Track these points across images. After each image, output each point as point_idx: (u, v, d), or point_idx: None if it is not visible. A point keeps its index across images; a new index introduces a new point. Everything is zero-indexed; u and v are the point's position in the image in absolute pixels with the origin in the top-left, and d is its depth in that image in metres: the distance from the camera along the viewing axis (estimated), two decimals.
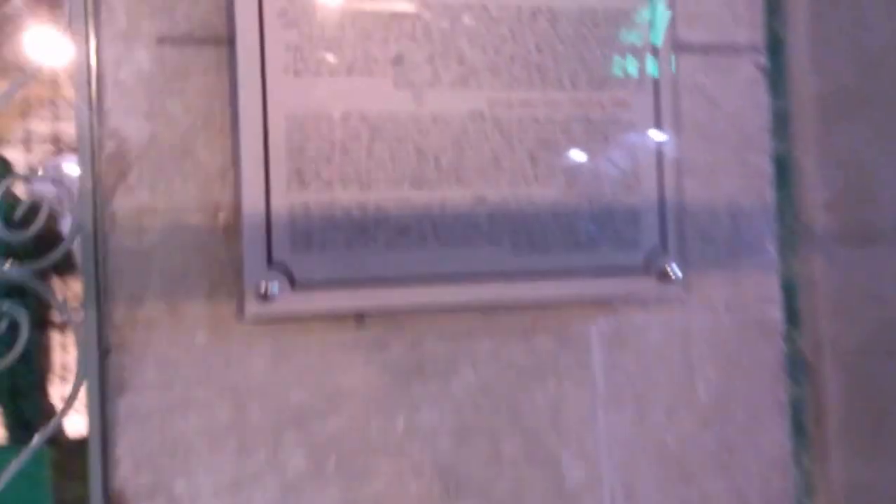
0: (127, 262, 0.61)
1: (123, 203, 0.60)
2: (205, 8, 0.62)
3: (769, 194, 0.74)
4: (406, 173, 0.65)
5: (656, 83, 0.70)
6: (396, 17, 0.64)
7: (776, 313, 0.75)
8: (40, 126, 3.20)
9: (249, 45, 0.61)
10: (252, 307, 0.62)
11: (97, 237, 0.60)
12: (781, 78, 0.76)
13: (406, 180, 0.65)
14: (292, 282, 0.62)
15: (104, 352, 0.60)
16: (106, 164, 0.60)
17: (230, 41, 0.61)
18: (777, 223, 0.75)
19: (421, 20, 0.65)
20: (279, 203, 0.62)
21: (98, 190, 0.60)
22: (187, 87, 0.61)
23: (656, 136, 0.70)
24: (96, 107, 0.60)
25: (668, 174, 0.70)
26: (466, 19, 0.66)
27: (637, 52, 0.69)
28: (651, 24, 0.69)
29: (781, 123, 0.76)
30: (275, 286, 0.61)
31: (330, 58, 0.63)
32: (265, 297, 0.61)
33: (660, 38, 0.70)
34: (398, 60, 0.64)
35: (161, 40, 0.61)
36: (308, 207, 0.63)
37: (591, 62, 0.68)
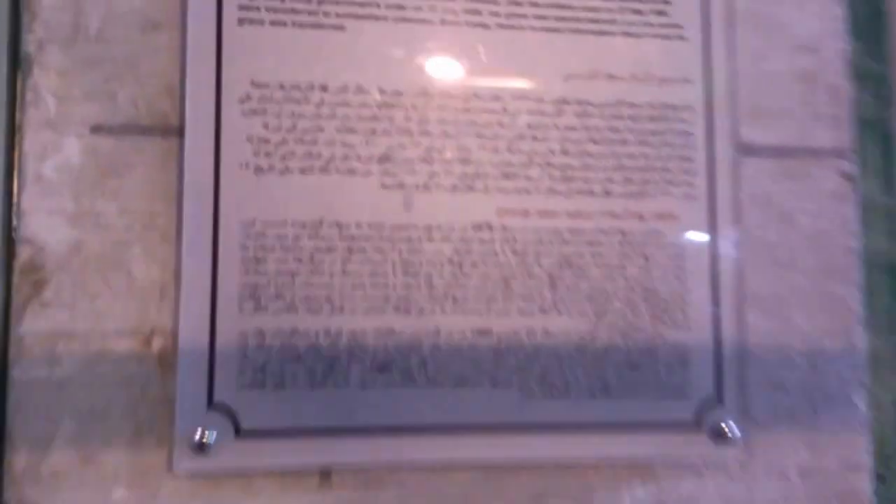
0: (34, 398, 0.50)
1: (35, 324, 0.50)
2: (153, 90, 0.52)
3: (857, 333, 0.59)
4: (390, 296, 0.53)
5: (712, 193, 0.57)
6: (387, 104, 0.54)
7: (864, 484, 0.59)
8: None
9: (201, 136, 0.51)
10: (185, 459, 0.50)
11: (2, 366, 0.49)
12: (893, 176, 0.63)
13: (389, 305, 0.53)
14: (237, 428, 0.50)
15: None
16: (18, 277, 0.50)
17: (180, 131, 0.51)
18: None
19: (417, 110, 0.54)
20: (227, 329, 0.51)
21: (6, 307, 0.50)
22: (124, 185, 0.51)
23: (711, 257, 0.56)
24: (11, 207, 0.50)
25: (727, 305, 0.57)
26: (474, 110, 0.55)
27: (688, 155, 0.57)
28: (706, 122, 0.57)
29: (893, 224, 0.62)
30: (213, 433, 0.49)
31: (301, 152, 0.52)
32: (202, 447, 0.49)
33: (718, 137, 0.57)
34: (386, 157, 0.53)
35: (96, 129, 0.51)
36: (263, 335, 0.51)
37: (630, 165, 0.56)
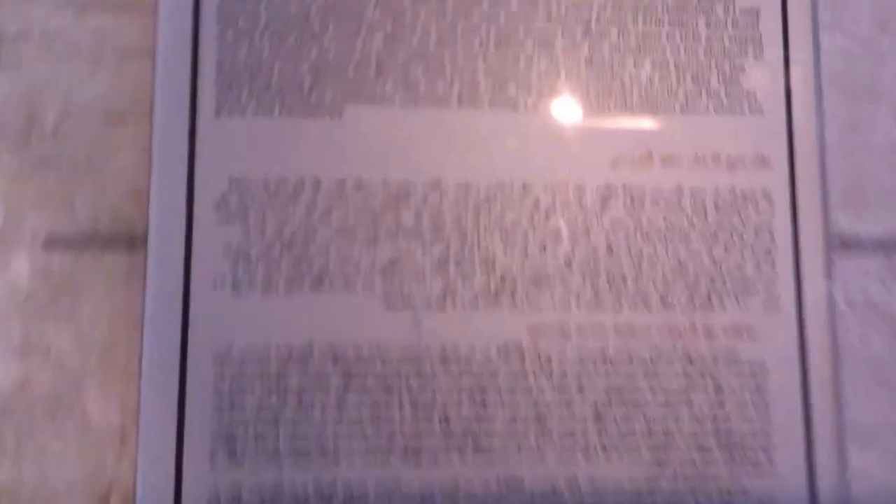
0: None
1: None
2: (117, 194, 0.44)
3: None
4: (396, 439, 0.43)
5: (799, 301, 0.45)
6: (393, 201, 0.44)
7: None
8: None
9: (169, 247, 0.43)
10: None
11: None
12: None
13: (396, 450, 0.42)
14: None
15: None
16: None
17: (147, 241, 0.43)
18: None
19: (429, 206, 0.44)
20: (195, 485, 0.41)
21: None
22: (81, 309, 0.43)
23: (801, 383, 0.45)
24: None
25: (823, 442, 0.45)
26: (499, 205, 0.45)
27: (767, 253, 0.45)
28: (790, 211, 0.46)
29: None
30: None
31: (288, 265, 0.43)
32: None
33: (805, 230, 0.46)
34: (391, 267, 0.44)
35: (50, 242, 0.43)
36: (239, 492, 0.41)
37: (694, 268, 0.45)
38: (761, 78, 0.47)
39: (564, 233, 0.45)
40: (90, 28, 0.45)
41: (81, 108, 0.45)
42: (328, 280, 0.43)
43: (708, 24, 0.47)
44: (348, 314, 0.43)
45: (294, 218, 0.44)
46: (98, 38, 0.45)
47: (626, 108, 0.46)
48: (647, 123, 0.46)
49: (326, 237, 0.44)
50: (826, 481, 0.45)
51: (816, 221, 0.46)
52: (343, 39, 0.46)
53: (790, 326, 0.45)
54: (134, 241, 0.44)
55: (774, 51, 0.47)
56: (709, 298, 0.45)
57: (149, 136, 0.44)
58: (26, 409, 0.42)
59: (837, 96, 0.48)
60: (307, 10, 0.46)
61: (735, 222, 0.46)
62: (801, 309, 0.45)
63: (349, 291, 0.43)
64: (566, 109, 0.46)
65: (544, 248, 0.45)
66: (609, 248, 0.45)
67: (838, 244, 0.47)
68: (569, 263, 0.45)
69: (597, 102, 0.46)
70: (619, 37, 0.47)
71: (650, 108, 0.46)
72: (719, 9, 0.47)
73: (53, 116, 0.44)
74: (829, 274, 0.46)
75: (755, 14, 0.47)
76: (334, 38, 0.45)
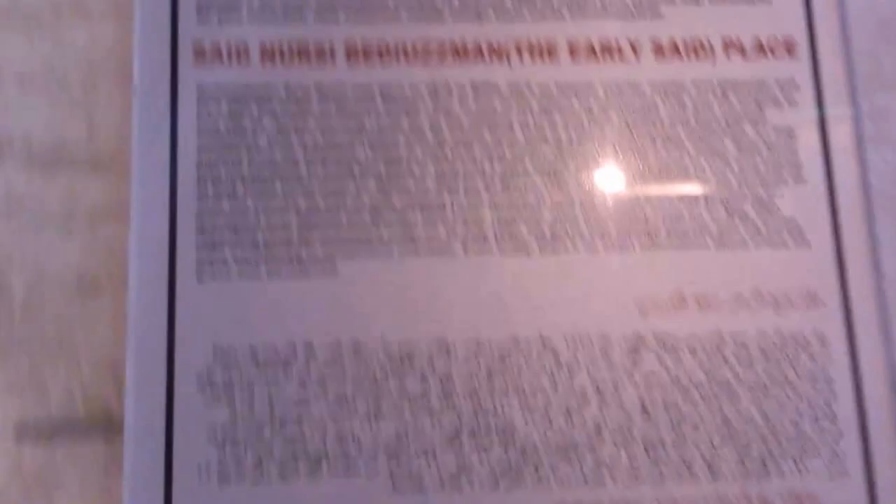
0: None
1: None
2: (92, 373, 0.40)
3: None
4: None
5: (867, 460, 0.40)
6: (395, 364, 0.40)
7: None
8: None
9: (148, 434, 0.38)
10: None
11: None
12: None
13: None
14: None
15: None
16: None
17: (124, 426, 0.39)
18: None
19: (436, 369, 0.40)
20: None
21: None
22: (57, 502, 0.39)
23: None
24: None
25: None
26: (515, 365, 0.40)
27: (827, 406, 0.40)
28: (848, 355, 0.40)
29: None
30: None
31: (280, 449, 0.39)
32: None
33: (868, 376, 0.40)
34: (396, 444, 0.39)
35: (22, 433, 0.39)
36: None
37: (744, 428, 0.40)
38: (803, 203, 0.42)
39: (591, 393, 0.40)
40: (59, 190, 0.42)
41: (52, 279, 0.41)
42: (326, 463, 0.39)
43: (738, 147, 0.42)
44: (351, 502, 0.39)
45: (286, 391, 0.39)
46: (68, 200, 0.42)
47: (653, 245, 0.41)
48: (676, 262, 0.41)
49: (322, 412, 0.39)
50: None
51: (880, 364, 0.41)
52: (333, 185, 0.42)
53: (859, 492, 0.39)
54: (111, 424, 0.39)
55: (815, 171, 0.42)
56: (763, 463, 0.39)
57: (125, 306, 0.40)
58: None
59: (891, 218, 0.43)
60: (293, 154, 0.42)
61: (786, 371, 0.40)
62: (871, 470, 0.40)
63: (350, 475, 0.39)
64: (584, 251, 0.41)
65: (569, 413, 0.40)
66: (644, 409, 0.40)
67: None
68: (598, 429, 0.40)
69: (618, 241, 0.41)
70: (639, 164, 0.42)
71: (679, 243, 0.41)
72: (749, 129, 0.43)
73: (22, 290, 0.41)
74: None
75: (790, 132, 0.43)
76: (324, 185, 0.42)
